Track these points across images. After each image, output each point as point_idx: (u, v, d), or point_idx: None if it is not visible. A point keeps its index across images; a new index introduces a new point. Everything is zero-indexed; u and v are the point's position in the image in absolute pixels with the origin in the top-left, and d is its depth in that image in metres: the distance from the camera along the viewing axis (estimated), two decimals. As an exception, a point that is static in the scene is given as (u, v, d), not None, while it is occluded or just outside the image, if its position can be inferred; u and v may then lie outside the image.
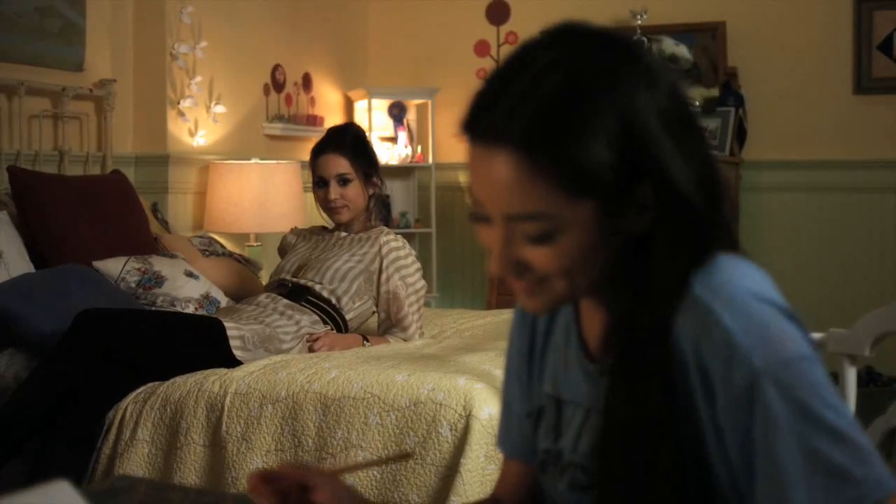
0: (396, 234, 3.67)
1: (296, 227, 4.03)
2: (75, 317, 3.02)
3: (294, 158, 5.53)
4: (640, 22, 5.57)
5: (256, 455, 2.82)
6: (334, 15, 6.27)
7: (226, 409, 2.90)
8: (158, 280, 3.71)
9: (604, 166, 1.07)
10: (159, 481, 2.50)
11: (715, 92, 5.62)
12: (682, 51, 5.74)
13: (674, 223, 1.12)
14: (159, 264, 3.79)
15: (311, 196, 4.86)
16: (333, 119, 6.21)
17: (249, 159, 5.14)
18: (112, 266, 3.70)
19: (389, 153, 6.18)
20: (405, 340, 3.54)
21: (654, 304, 1.12)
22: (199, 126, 5.08)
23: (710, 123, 5.48)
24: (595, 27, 1.15)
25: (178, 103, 4.93)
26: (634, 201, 1.11)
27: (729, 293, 1.09)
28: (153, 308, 3.62)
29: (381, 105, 6.32)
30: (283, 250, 3.87)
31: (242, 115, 5.43)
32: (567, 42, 1.12)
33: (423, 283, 3.63)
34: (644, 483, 1.11)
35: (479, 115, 1.12)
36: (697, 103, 5.62)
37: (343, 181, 3.61)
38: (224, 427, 2.88)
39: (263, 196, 4.95)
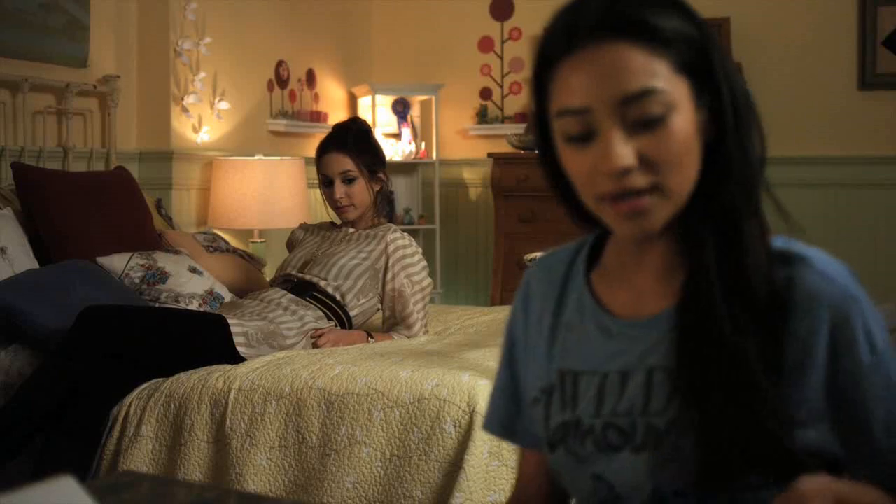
0: (403, 231, 3.67)
1: (304, 223, 4.03)
2: (79, 314, 3.02)
3: (298, 155, 5.53)
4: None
5: (260, 451, 2.82)
6: (338, 11, 6.27)
7: (230, 405, 2.90)
8: (162, 276, 3.71)
9: (692, 49, 1.16)
10: (163, 477, 2.51)
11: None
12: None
13: (738, 136, 1.20)
14: (163, 260, 3.79)
15: (315, 192, 4.88)
16: (337, 115, 6.20)
17: (253, 155, 5.14)
18: (116, 262, 3.70)
19: (393, 149, 6.17)
20: (409, 338, 3.54)
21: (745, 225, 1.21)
22: (202, 122, 5.08)
23: (715, 119, 5.48)
24: None
25: (182, 99, 4.93)
26: (710, 96, 1.18)
27: (845, 273, 1.22)
28: (157, 304, 3.62)
29: (384, 101, 6.32)
30: (291, 245, 3.88)
31: (246, 111, 5.43)
32: None
33: (428, 280, 3.63)
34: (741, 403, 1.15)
35: (578, 23, 1.17)
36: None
37: (347, 180, 3.61)
38: (228, 423, 2.88)
39: (267, 192, 4.96)
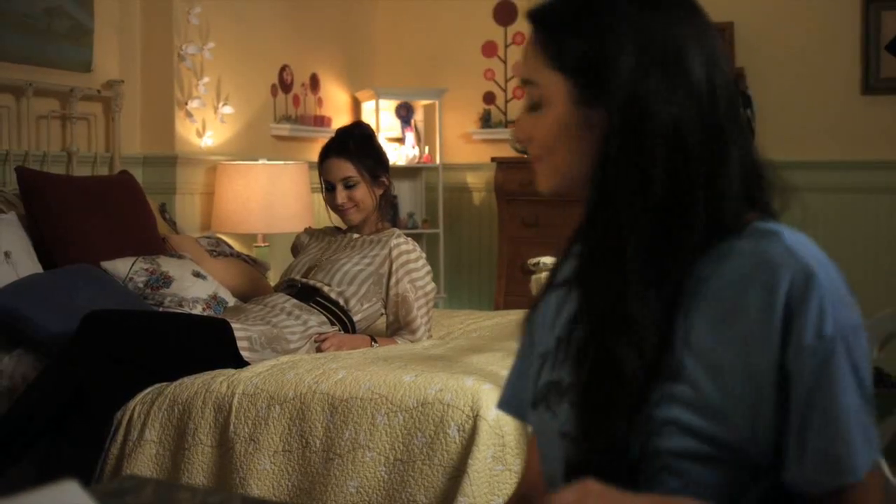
0: (407, 237, 3.67)
1: (310, 228, 4.04)
2: (82, 319, 3.02)
3: (302, 159, 5.53)
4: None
5: (264, 455, 2.82)
6: (342, 15, 6.27)
7: (233, 409, 2.90)
8: (166, 280, 3.72)
9: (579, 52, 1.26)
10: (167, 481, 2.51)
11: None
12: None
13: (627, 134, 1.24)
14: (167, 265, 3.80)
15: (318, 197, 4.87)
16: (341, 120, 6.21)
17: (257, 160, 5.14)
18: (120, 266, 3.71)
19: (397, 154, 6.17)
20: (413, 342, 3.54)
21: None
22: (206, 127, 5.08)
23: (718, 124, 5.48)
24: None
25: (186, 104, 4.94)
26: (596, 100, 1.25)
27: (815, 257, 1.20)
28: (160, 309, 3.62)
29: (388, 106, 6.33)
30: (296, 250, 3.88)
31: (250, 115, 5.43)
32: None
33: (432, 285, 3.63)
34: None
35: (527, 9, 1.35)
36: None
37: (349, 185, 3.63)
38: (232, 427, 2.88)
39: (271, 197, 4.96)
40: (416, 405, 2.75)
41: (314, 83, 6.01)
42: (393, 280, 3.55)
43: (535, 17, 1.32)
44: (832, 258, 1.25)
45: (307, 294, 3.53)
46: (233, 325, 3.20)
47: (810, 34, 5.56)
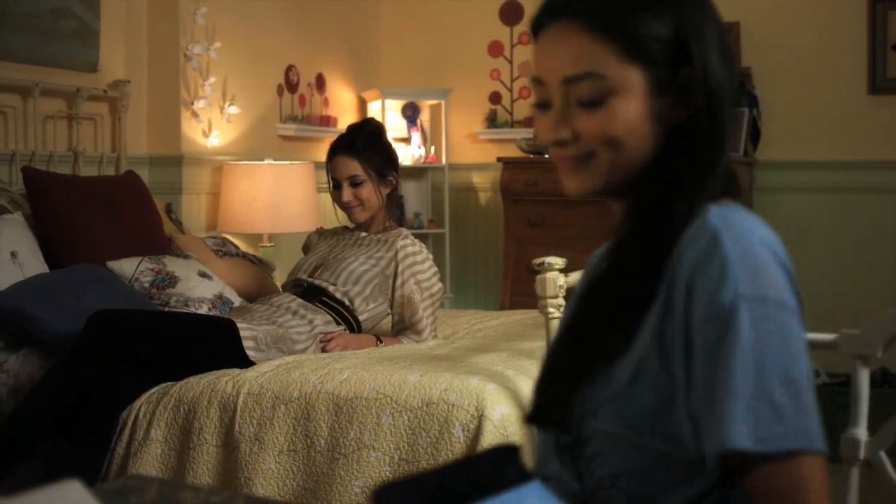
0: (414, 237, 3.68)
1: (321, 228, 4.05)
2: (88, 318, 3.03)
3: (308, 159, 5.53)
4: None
5: (269, 455, 2.82)
6: (348, 15, 6.28)
7: (238, 409, 2.91)
8: (172, 280, 3.72)
9: (657, 39, 1.23)
10: (172, 481, 2.51)
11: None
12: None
13: (708, 122, 1.24)
14: (173, 264, 3.80)
15: (325, 196, 4.87)
16: (347, 120, 6.20)
17: (263, 160, 5.15)
18: (126, 266, 3.71)
19: (403, 154, 6.17)
20: (418, 342, 3.54)
21: (680, 197, 1.23)
22: (212, 127, 5.09)
23: (724, 124, 5.47)
24: None
25: (192, 104, 4.94)
26: (678, 84, 1.24)
27: (740, 229, 1.18)
28: (166, 308, 3.62)
29: (394, 106, 6.33)
30: (306, 249, 3.90)
31: (256, 115, 5.43)
32: None
33: (439, 286, 3.64)
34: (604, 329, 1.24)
35: (550, 3, 1.29)
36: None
37: (355, 183, 3.63)
38: (237, 427, 2.89)
39: (277, 197, 4.96)
40: (420, 405, 2.75)
41: (320, 83, 6.01)
42: (399, 281, 3.55)
43: (577, 10, 1.26)
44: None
45: (313, 293, 3.53)
46: (238, 325, 3.20)
47: (817, 34, 5.55)
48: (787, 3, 5.59)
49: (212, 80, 5.04)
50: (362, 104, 6.40)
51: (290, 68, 5.72)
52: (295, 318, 3.40)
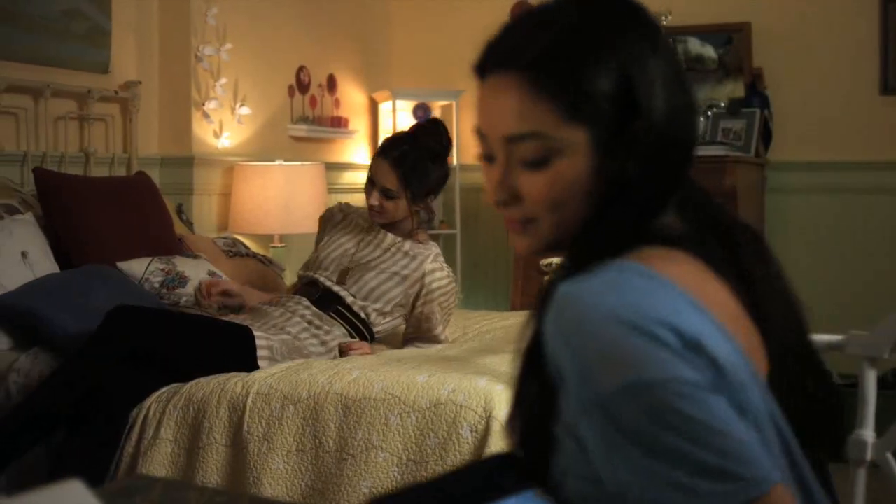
0: (441, 260, 3.56)
1: (346, 204, 3.85)
2: (108, 312, 3.03)
3: (318, 160, 5.54)
4: (664, 23, 5.55)
5: (277, 455, 2.82)
6: (359, 16, 6.28)
7: (247, 409, 2.91)
8: (181, 280, 3.73)
9: (602, 95, 1.15)
10: (176, 481, 2.51)
11: (740, 93, 5.60)
12: (709, 51, 5.73)
13: (651, 174, 1.18)
14: (182, 265, 3.81)
15: (336, 197, 4.86)
16: (358, 121, 6.22)
17: (274, 161, 5.15)
18: (136, 267, 3.72)
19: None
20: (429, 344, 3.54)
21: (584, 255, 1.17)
22: (223, 128, 5.10)
23: (736, 125, 5.47)
24: None
25: (203, 105, 4.95)
26: (625, 139, 1.16)
27: (581, 309, 1.07)
28: (178, 307, 3.63)
29: (405, 107, 6.33)
30: (326, 223, 3.72)
31: (267, 116, 5.44)
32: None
33: (455, 300, 3.60)
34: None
35: (493, 48, 1.23)
36: (723, 104, 5.61)
37: (387, 196, 3.45)
38: (246, 427, 2.89)
39: (288, 197, 4.97)
40: (428, 406, 2.74)
41: (331, 84, 6.01)
42: (420, 301, 3.48)
43: (518, 62, 1.18)
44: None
45: (328, 301, 3.46)
46: (255, 334, 3.19)
47: (828, 34, 5.53)
48: (799, 4, 5.58)
49: (223, 80, 5.05)
50: (373, 105, 6.41)
51: (301, 69, 5.73)
52: (309, 330, 3.35)
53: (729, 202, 5.06)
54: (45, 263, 3.56)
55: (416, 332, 3.53)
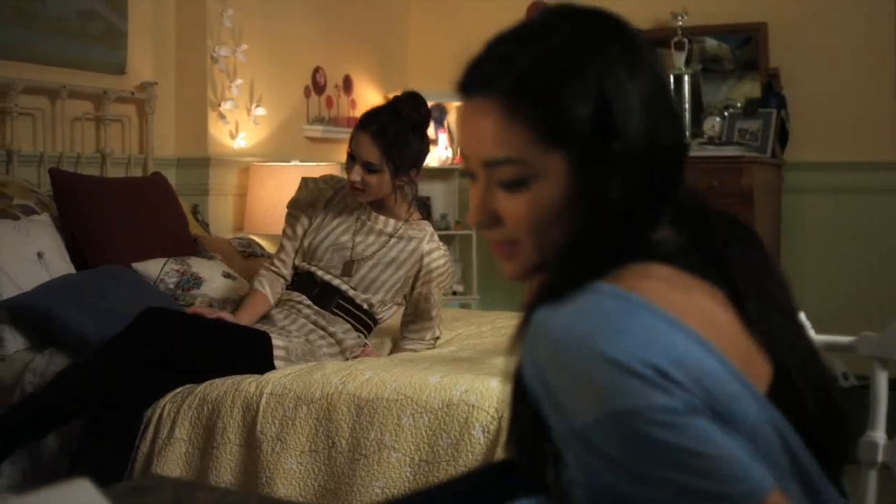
0: (438, 240, 3.53)
1: (332, 176, 3.70)
2: (139, 314, 3.02)
3: (334, 160, 5.55)
4: (680, 23, 5.54)
5: (291, 455, 2.83)
6: (375, 17, 6.29)
7: (261, 409, 2.92)
8: (196, 281, 3.74)
9: (579, 119, 1.15)
10: (186, 480, 2.52)
11: (757, 93, 5.58)
12: (725, 51, 5.71)
13: (632, 193, 1.16)
14: (197, 266, 3.82)
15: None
16: (374, 121, 6.22)
17: (290, 161, 5.16)
18: (151, 267, 3.73)
19: (430, 155, 6.17)
20: (427, 340, 3.53)
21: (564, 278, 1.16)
22: (239, 128, 5.11)
23: (752, 125, 5.45)
24: (595, 8, 1.23)
25: (219, 106, 4.97)
26: (604, 161, 1.15)
27: (555, 338, 1.07)
28: (191, 308, 3.64)
29: (421, 107, 6.32)
30: (310, 205, 3.57)
31: (283, 117, 5.46)
32: (564, 16, 1.21)
33: (451, 279, 3.58)
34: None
35: (472, 70, 1.22)
36: (739, 104, 5.59)
37: (369, 169, 3.35)
38: (259, 427, 2.90)
39: (304, 198, 4.97)
40: (441, 406, 2.75)
41: (347, 84, 6.02)
42: (420, 282, 3.48)
43: (496, 87, 1.18)
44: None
45: (328, 295, 3.42)
46: (273, 340, 3.19)
47: (845, 34, 5.51)
48: (815, 4, 5.55)
49: (239, 81, 5.06)
50: (389, 105, 6.40)
51: (317, 70, 5.74)
52: (316, 332, 3.34)
53: (745, 203, 5.05)
54: (60, 264, 3.57)
55: (415, 313, 3.51)
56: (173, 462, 2.95)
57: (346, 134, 5.80)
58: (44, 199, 3.91)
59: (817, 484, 1.18)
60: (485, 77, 1.20)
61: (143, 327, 3.01)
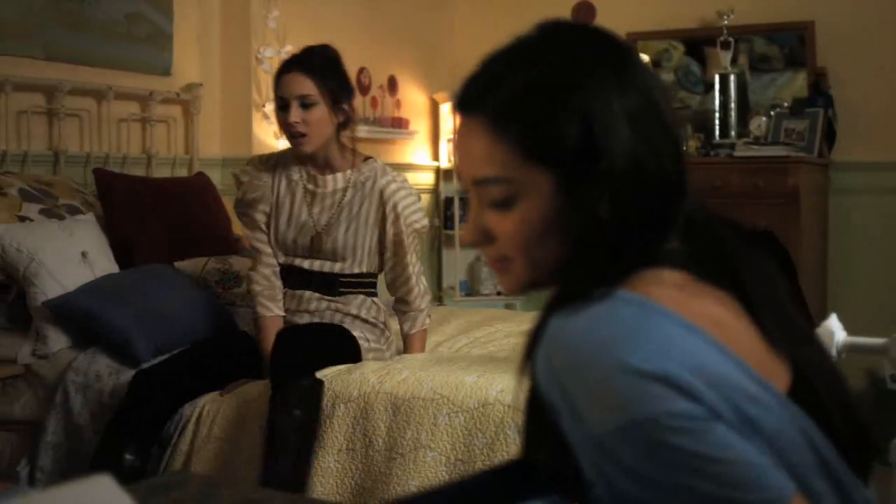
0: (394, 174, 3.32)
1: (260, 159, 3.50)
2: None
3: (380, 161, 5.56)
4: (726, 22, 5.50)
5: (328, 453, 2.84)
6: (419, 17, 6.30)
7: (299, 408, 2.93)
8: (237, 280, 3.77)
9: (565, 138, 1.14)
10: (211, 478, 2.53)
11: (804, 92, 5.53)
12: (774, 51, 5.66)
13: (620, 210, 1.15)
14: (239, 264, 3.85)
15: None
16: (418, 121, 6.24)
17: (333, 161, 5.18)
18: (192, 266, 3.77)
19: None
20: (412, 307, 3.33)
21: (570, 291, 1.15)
22: (284, 129, 5.14)
23: (799, 125, 5.39)
24: (587, 26, 1.25)
25: (264, 106, 5.00)
26: (588, 182, 1.15)
27: (571, 346, 1.06)
28: (232, 307, 3.66)
29: (466, 107, 6.32)
30: (254, 201, 3.37)
31: (327, 117, 5.47)
32: (555, 35, 1.23)
33: (424, 221, 3.36)
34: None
35: (464, 89, 1.23)
36: (786, 104, 5.54)
37: (305, 104, 3.16)
38: (297, 426, 2.91)
39: (347, 198, 4.98)
40: (477, 406, 2.75)
41: (392, 85, 6.03)
42: (389, 223, 3.26)
43: (484, 107, 1.19)
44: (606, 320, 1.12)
45: (329, 284, 3.27)
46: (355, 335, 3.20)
47: (892, 33, 5.44)
48: (863, 3, 5.49)
49: (283, 82, 5.08)
50: (434, 106, 6.42)
51: (361, 70, 5.75)
52: (345, 323, 3.26)
53: (791, 203, 5.01)
54: (104, 263, 3.61)
55: (393, 265, 3.31)
56: (209, 461, 2.97)
57: (391, 134, 5.85)
58: (89, 199, 3.96)
59: (844, 480, 1.17)
60: (475, 96, 1.21)
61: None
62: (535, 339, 1.15)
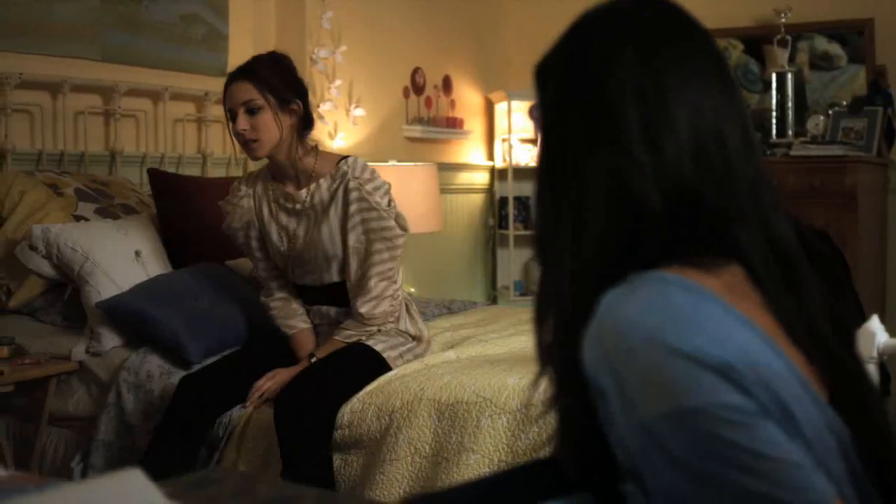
0: (355, 160, 3.19)
1: (239, 180, 3.42)
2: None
3: (433, 160, 5.58)
4: (783, 20, 5.45)
5: (375, 466, 2.84)
6: (474, 17, 6.30)
7: (343, 424, 2.93)
8: (288, 279, 3.79)
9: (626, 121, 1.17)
10: (252, 474, 2.56)
11: (864, 91, 5.45)
12: (836, 48, 5.59)
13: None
14: (289, 264, 3.87)
15: (448, 198, 4.89)
16: (473, 121, 6.24)
17: (387, 161, 5.20)
18: (243, 264, 3.80)
19: (529, 155, 6.18)
20: (366, 321, 3.15)
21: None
22: (338, 129, 5.17)
23: (857, 123, 5.32)
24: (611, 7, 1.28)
25: (319, 106, 5.03)
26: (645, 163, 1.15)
27: (625, 329, 1.06)
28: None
29: (520, 107, 6.33)
30: (244, 224, 3.30)
31: (382, 117, 5.50)
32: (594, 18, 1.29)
33: (385, 223, 3.17)
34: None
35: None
36: (844, 102, 5.47)
37: (250, 110, 3.10)
38: (339, 441, 2.92)
39: (401, 198, 4.96)
40: (519, 408, 2.74)
41: (447, 85, 6.05)
42: (351, 211, 3.12)
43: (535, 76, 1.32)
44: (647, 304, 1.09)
45: (334, 294, 3.24)
46: (375, 347, 3.14)
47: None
48: (924, -1, 5.41)
49: (338, 82, 5.12)
50: (489, 105, 6.42)
51: (416, 70, 5.78)
52: (362, 338, 3.18)
53: (848, 202, 4.94)
54: (157, 262, 3.65)
55: (360, 267, 3.15)
56: (254, 462, 2.98)
57: (445, 134, 5.86)
58: (144, 199, 4.01)
59: (869, 493, 1.15)
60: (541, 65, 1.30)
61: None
62: (576, 313, 1.14)
